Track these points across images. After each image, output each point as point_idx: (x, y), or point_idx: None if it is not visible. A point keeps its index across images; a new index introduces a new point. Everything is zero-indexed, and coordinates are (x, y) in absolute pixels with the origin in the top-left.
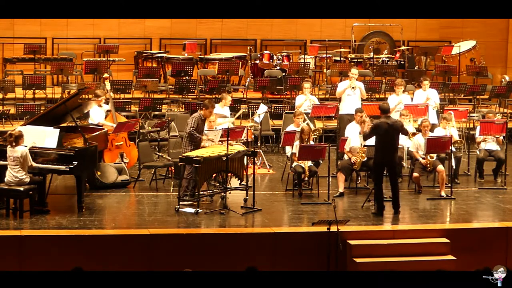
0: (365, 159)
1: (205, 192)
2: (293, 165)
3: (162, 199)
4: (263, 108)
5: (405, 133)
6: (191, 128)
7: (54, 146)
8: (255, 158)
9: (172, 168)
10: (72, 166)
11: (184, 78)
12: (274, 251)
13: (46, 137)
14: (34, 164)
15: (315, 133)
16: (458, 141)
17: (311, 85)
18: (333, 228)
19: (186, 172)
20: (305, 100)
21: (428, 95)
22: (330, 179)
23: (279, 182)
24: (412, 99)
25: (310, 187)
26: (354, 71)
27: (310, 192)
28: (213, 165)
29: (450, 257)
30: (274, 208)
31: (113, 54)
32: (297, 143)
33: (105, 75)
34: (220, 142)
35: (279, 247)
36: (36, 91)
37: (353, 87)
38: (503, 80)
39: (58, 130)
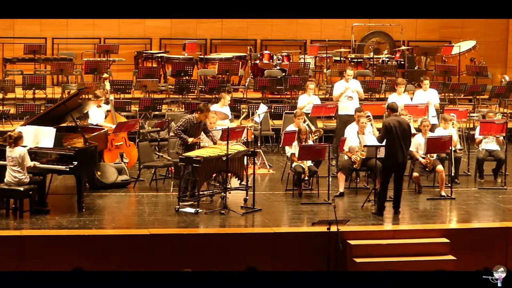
0: (365, 157)
1: (205, 192)
2: (293, 165)
3: (162, 199)
4: (263, 108)
5: (409, 135)
6: (177, 128)
7: (51, 145)
8: (255, 158)
9: (172, 168)
10: (72, 166)
11: (184, 78)
12: (274, 251)
13: (42, 137)
14: (37, 164)
15: (316, 134)
16: (458, 150)
17: (315, 86)
18: (333, 228)
19: (184, 172)
20: (308, 103)
21: (429, 99)
22: (330, 179)
23: (279, 182)
24: (412, 99)
25: (310, 187)
26: (349, 72)
27: (310, 192)
28: (213, 165)
29: (450, 257)
30: (274, 208)
31: (113, 54)
32: (295, 143)
33: (105, 75)
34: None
35: (279, 247)
36: (36, 91)
37: (350, 97)
38: (503, 80)
39: (54, 130)
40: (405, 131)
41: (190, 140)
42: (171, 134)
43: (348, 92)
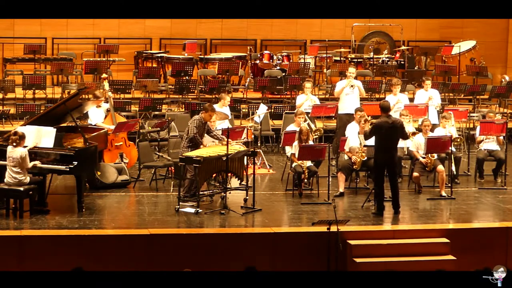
0: (365, 158)
1: (205, 192)
2: (293, 165)
3: (162, 199)
4: (263, 108)
5: (405, 135)
6: (194, 133)
7: (51, 145)
8: (255, 158)
9: (172, 168)
10: (72, 166)
11: (184, 78)
12: (274, 251)
13: (42, 137)
14: (37, 164)
15: (316, 134)
16: (458, 139)
17: (312, 85)
18: (333, 228)
19: (189, 173)
20: (306, 100)
21: (430, 95)
22: (330, 179)
23: (279, 182)
24: (412, 99)
25: (310, 187)
26: (352, 70)
27: (310, 192)
28: (213, 165)
29: (450, 257)
30: (274, 208)
31: (113, 54)
32: (295, 143)
33: (104, 75)
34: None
35: (279, 247)
36: (36, 91)
37: (351, 86)
38: (503, 80)
39: (54, 130)
40: (394, 131)
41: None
42: (172, 134)
43: (349, 86)
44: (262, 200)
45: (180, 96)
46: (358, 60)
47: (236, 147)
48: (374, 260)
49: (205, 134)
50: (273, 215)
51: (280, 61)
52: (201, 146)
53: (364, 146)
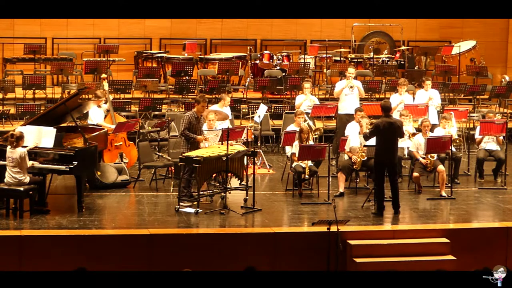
0: (365, 158)
1: (205, 192)
2: (293, 165)
3: (162, 199)
4: (263, 108)
5: (401, 134)
6: (182, 130)
7: (51, 145)
8: (255, 158)
9: (172, 168)
10: (72, 166)
11: (184, 78)
12: (274, 251)
13: (42, 137)
14: (36, 164)
15: (316, 133)
16: (457, 140)
17: (311, 85)
18: (333, 228)
19: (182, 172)
20: (305, 100)
21: (430, 95)
22: (330, 179)
23: (279, 182)
24: (414, 99)
25: (310, 187)
26: (351, 71)
27: (310, 192)
28: (213, 165)
29: (450, 257)
30: (274, 208)
31: (113, 54)
32: (296, 143)
33: (103, 75)
34: (220, 142)
35: (279, 247)
36: (36, 91)
37: (351, 87)
38: (503, 80)
39: (54, 130)
40: (395, 131)
41: (199, 137)
42: (172, 134)
43: (349, 85)
44: (262, 200)
45: (180, 96)
46: (358, 60)
47: (236, 147)
48: (374, 260)
49: (210, 134)
50: (273, 215)
51: (280, 61)
52: (201, 142)
53: (364, 146)
